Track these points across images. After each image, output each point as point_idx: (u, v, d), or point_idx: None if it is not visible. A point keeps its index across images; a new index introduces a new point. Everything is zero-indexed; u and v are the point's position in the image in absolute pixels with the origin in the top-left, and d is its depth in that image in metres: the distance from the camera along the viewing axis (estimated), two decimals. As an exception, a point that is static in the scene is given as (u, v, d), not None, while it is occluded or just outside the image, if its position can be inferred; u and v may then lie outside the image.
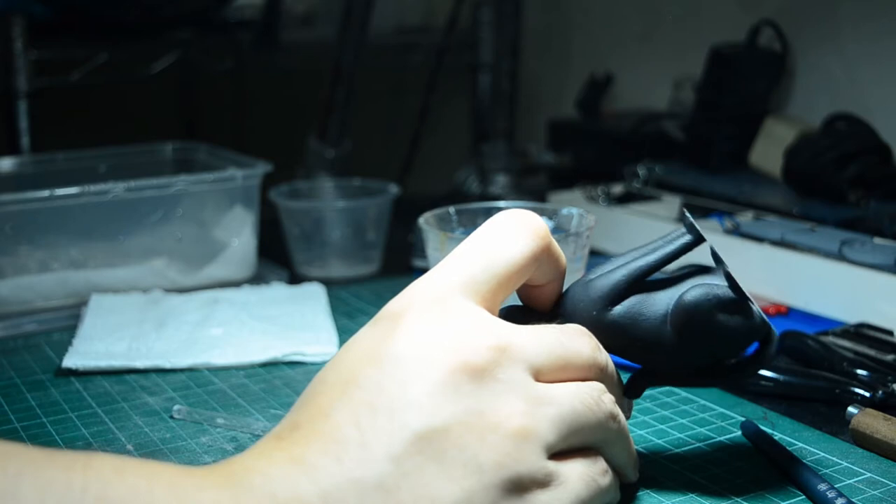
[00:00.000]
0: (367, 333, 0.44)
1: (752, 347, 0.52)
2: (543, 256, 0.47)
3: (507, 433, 0.41)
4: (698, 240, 0.51)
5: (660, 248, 0.52)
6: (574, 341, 0.46)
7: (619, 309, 0.50)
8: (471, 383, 0.41)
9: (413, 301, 0.44)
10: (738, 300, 0.49)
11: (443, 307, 0.43)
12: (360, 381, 0.41)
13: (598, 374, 0.47)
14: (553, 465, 0.42)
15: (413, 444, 0.39)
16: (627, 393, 0.52)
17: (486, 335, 0.43)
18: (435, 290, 0.44)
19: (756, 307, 0.50)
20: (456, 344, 0.42)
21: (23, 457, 0.36)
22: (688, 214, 0.52)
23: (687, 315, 0.49)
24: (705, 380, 0.53)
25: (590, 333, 0.48)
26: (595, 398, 0.45)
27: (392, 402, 0.40)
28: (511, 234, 0.46)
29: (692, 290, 0.50)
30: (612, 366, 0.49)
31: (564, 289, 0.52)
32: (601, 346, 0.48)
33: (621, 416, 0.47)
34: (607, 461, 0.47)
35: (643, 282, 0.51)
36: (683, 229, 0.52)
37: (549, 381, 0.44)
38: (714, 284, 0.50)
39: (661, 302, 0.50)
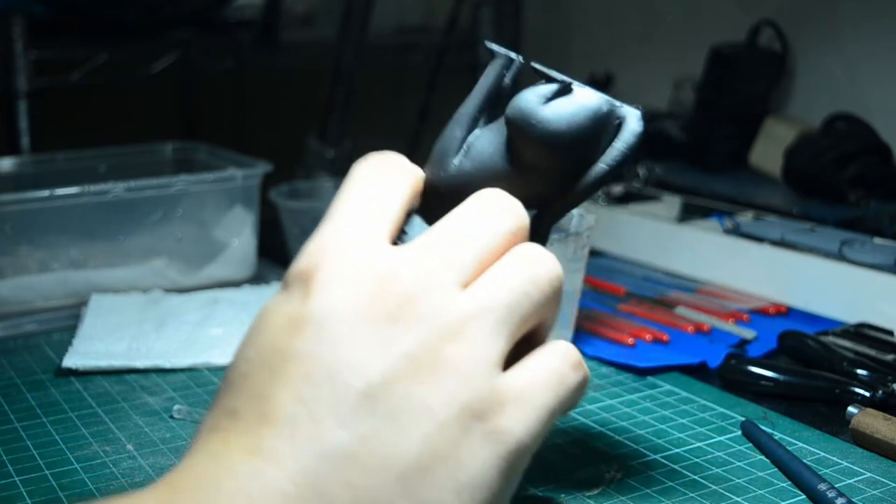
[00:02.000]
0: (281, 300, 0.41)
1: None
2: (419, 186, 0.48)
3: (443, 367, 0.38)
4: (509, 60, 0.52)
5: (478, 87, 0.52)
6: (478, 222, 0.43)
7: (462, 160, 0.50)
8: (394, 328, 0.39)
9: (321, 256, 0.41)
10: (561, 86, 0.50)
11: (352, 256, 0.41)
12: (289, 352, 0.39)
13: (522, 234, 0.43)
14: (507, 382, 0.39)
15: (360, 404, 0.38)
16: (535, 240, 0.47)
17: (396, 273, 0.40)
18: (339, 240, 0.42)
19: (588, 90, 0.50)
20: (370, 292, 0.40)
21: None
22: (488, 43, 0.53)
23: (518, 121, 0.49)
24: (584, 187, 0.49)
25: (487, 192, 0.44)
26: (528, 278, 0.41)
27: (326, 367, 0.38)
28: (388, 174, 0.46)
29: (512, 100, 0.49)
30: (522, 210, 0.44)
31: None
32: (506, 196, 0.44)
33: (559, 276, 0.42)
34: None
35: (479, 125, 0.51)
36: (495, 61, 0.52)
37: (479, 274, 0.41)
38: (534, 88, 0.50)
39: (496, 132, 0.50)
